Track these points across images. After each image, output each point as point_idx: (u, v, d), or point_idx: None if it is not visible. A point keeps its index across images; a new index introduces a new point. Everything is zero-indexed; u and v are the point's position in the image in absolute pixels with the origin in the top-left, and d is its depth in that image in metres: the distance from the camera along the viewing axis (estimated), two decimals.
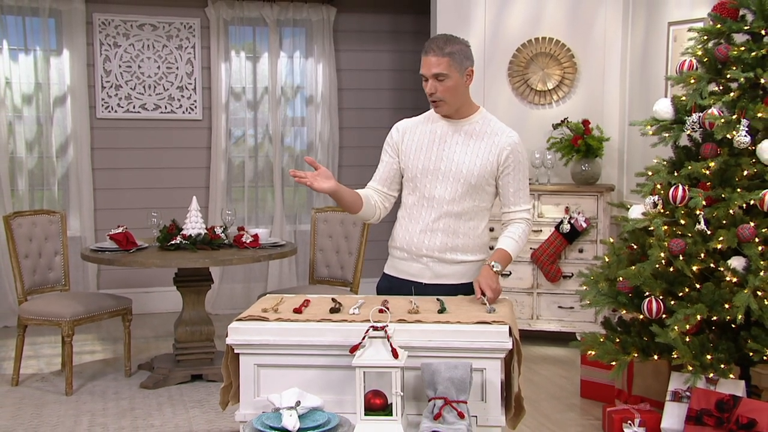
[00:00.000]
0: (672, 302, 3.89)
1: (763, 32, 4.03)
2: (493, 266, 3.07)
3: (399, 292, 3.19)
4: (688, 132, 4.08)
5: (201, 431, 4.51)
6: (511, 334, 2.62)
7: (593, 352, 4.17)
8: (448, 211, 3.19)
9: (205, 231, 5.28)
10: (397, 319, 2.65)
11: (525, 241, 3.27)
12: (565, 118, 6.34)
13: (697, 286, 3.90)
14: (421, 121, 3.31)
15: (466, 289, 3.19)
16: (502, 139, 3.21)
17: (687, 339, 3.81)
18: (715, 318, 3.82)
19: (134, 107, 7.25)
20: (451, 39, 3.14)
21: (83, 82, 7.03)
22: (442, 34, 3.22)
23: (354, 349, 2.49)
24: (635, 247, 4.24)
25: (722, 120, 3.90)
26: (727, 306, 3.75)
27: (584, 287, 4.38)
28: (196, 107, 7.38)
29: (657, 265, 3.94)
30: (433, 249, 3.20)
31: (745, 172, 3.92)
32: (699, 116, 4.02)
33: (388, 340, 2.44)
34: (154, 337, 6.56)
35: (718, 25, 4.13)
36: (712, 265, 3.89)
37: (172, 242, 5.21)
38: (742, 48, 4.02)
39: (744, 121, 3.87)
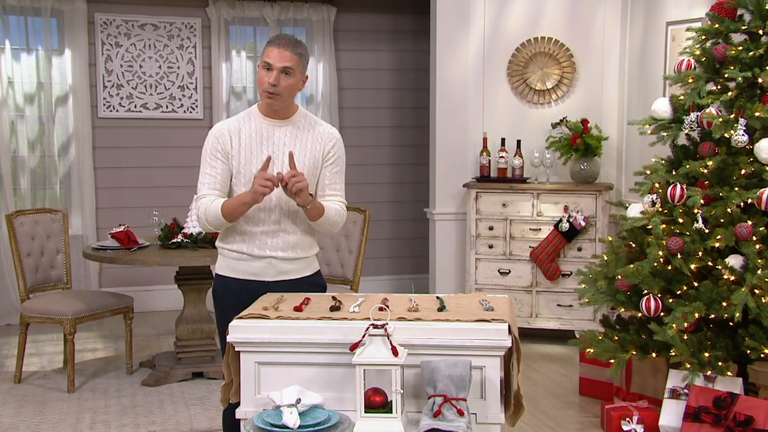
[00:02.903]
0: (670, 300, 3.91)
1: (760, 32, 4.04)
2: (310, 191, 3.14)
3: (239, 293, 3.18)
4: (687, 131, 4.10)
5: (202, 429, 4.53)
6: (510, 331, 2.64)
7: (592, 350, 4.19)
8: (287, 211, 3.21)
9: None
10: (397, 317, 2.67)
11: (337, 217, 3.25)
12: (563, 118, 6.36)
13: (695, 284, 3.92)
14: (242, 121, 3.25)
15: (306, 282, 3.26)
16: (325, 134, 3.28)
17: (685, 337, 3.83)
18: (712, 316, 3.84)
19: (135, 106, 7.27)
20: (300, 42, 3.19)
21: (85, 81, 7.05)
22: (289, 34, 3.26)
23: (354, 347, 2.51)
24: (634, 245, 4.26)
25: (720, 119, 3.92)
26: (724, 304, 3.76)
27: (583, 285, 4.40)
28: (197, 106, 7.40)
29: (655, 264, 3.96)
30: (276, 248, 3.22)
31: (743, 171, 3.94)
32: (697, 115, 4.03)
33: (388, 338, 2.46)
34: (156, 335, 6.58)
35: (716, 25, 4.14)
36: (710, 263, 3.91)
37: (174, 241, 5.24)
38: (740, 47, 4.04)
39: (742, 121, 3.89)
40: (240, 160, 3.20)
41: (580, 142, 6.16)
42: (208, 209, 3.15)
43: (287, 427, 2.39)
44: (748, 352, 3.81)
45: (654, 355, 4.04)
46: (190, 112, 7.39)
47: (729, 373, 3.81)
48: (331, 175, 3.29)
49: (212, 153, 3.21)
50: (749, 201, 3.85)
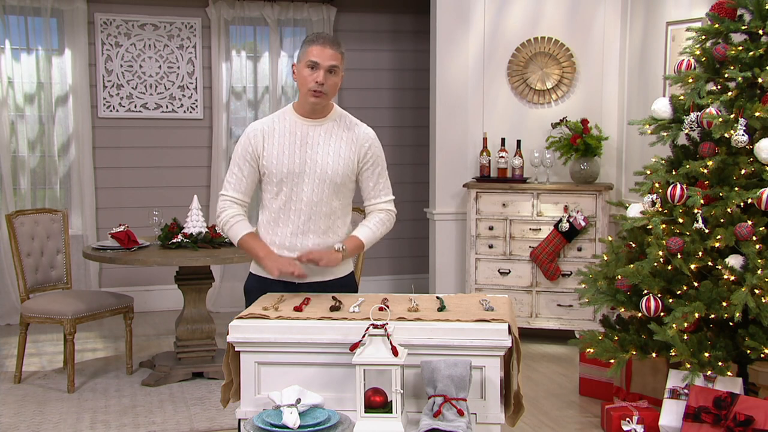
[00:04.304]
0: (670, 300, 3.91)
1: (760, 32, 4.04)
2: (338, 247, 3.17)
3: (270, 291, 3.20)
4: (687, 131, 4.10)
5: (202, 429, 4.53)
6: (510, 331, 2.64)
7: (592, 350, 4.19)
8: (317, 212, 3.21)
9: (206, 229, 5.31)
10: (397, 317, 2.67)
11: (384, 228, 3.32)
12: (563, 118, 6.36)
13: (695, 284, 3.92)
14: (276, 121, 3.25)
15: (337, 284, 3.26)
16: (360, 135, 3.26)
17: (685, 337, 3.83)
18: (712, 316, 3.84)
19: (135, 106, 7.27)
20: (340, 40, 3.21)
21: (85, 81, 7.05)
22: (328, 33, 3.25)
23: (354, 347, 2.51)
24: (634, 245, 4.26)
25: (720, 119, 3.92)
26: (724, 304, 3.76)
27: (583, 285, 4.40)
28: (197, 106, 7.40)
29: (655, 264, 3.96)
30: (306, 250, 3.21)
31: (743, 171, 3.94)
32: (697, 115, 4.03)
33: (388, 338, 2.46)
34: (156, 335, 6.58)
35: (716, 25, 4.14)
36: (710, 263, 3.91)
37: (174, 241, 5.23)
38: (740, 47, 4.04)
39: (742, 120, 3.89)
40: (272, 160, 3.19)
41: (580, 142, 6.16)
42: (227, 227, 3.30)
43: (287, 427, 2.39)
44: (748, 352, 3.81)
45: (654, 355, 4.04)
46: (190, 112, 7.39)
47: (729, 373, 3.81)
48: (375, 177, 3.30)
49: (243, 154, 3.24)
50: (749, 201, 3.86)
